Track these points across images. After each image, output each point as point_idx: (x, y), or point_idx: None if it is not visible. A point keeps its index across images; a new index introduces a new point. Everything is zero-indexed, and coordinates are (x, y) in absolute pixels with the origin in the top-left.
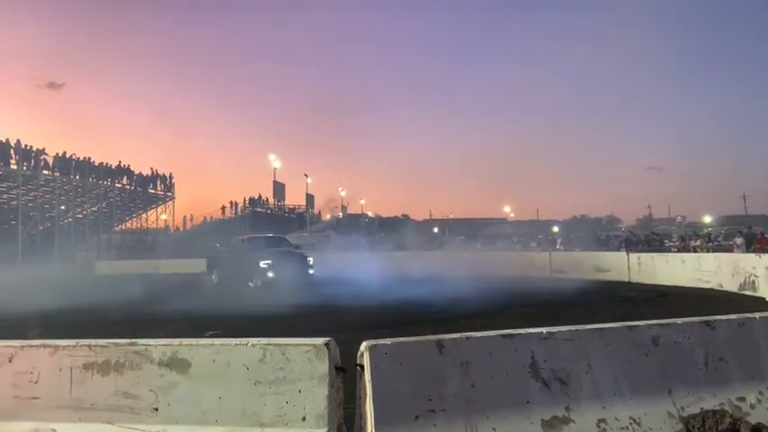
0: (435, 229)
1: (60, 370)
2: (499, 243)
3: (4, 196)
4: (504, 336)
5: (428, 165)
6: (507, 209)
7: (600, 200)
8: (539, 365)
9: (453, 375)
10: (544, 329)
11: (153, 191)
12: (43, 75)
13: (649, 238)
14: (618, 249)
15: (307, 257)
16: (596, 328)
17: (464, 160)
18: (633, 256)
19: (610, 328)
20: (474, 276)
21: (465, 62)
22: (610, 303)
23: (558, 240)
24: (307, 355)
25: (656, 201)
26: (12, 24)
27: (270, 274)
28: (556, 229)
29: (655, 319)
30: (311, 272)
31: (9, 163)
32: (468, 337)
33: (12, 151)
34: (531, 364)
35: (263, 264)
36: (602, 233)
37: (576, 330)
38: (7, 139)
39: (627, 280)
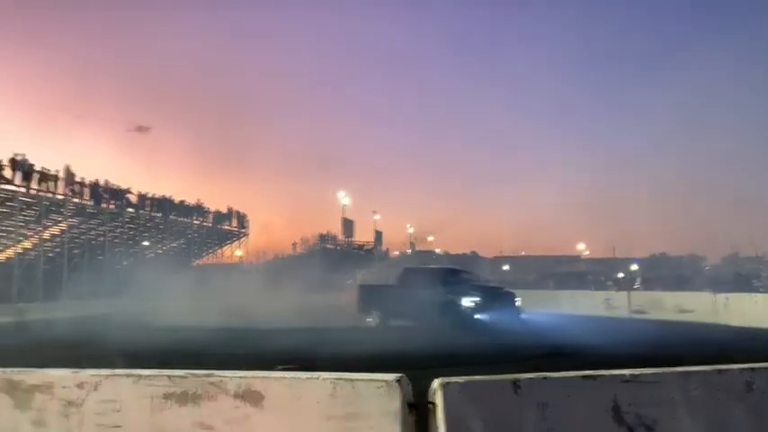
0: (506, 267)
1: (142, 399)
2: (573, 282)
3: (92, 233)
4: (584, 377)
5: (496, 201)
6: (581, 246)
7: (681, 237)
8: (622, 410)
9: (530, 417)
10: (627, 371)
11: (228, 227)
12: (133, 118)
13: (737, 278)
14: (702, 289)
15: (515, 296)
16: (683, 371)
17: (535, 196)
18: (720, 296)
19: (698, 371)
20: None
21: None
22: (697, 346)
23: (638, 279)
24: (378, 391)
25: (743, 238)
26: (106, 71)
27: (477, 316)
28: (634, 267)
29: (747, 363)
30: (522, 315)
31: (99, 201)
32: (545, 377)
33: (101, 190)
34: (614, 407)
35: (466, 302)
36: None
37: (661, 373)
38: (97, 180)
39: (713, 321)
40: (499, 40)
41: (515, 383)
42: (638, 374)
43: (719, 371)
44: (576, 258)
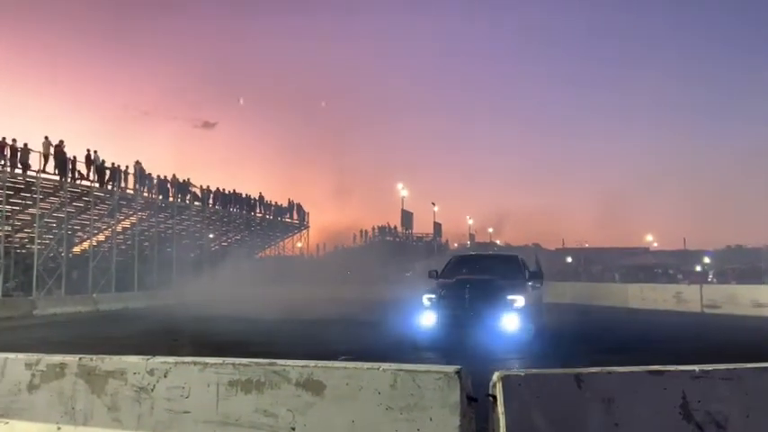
0: (569, 259)
1: (208, 386)
2: (640, 275)
3: (162, 226)
4: (651, 372)
5: (560, 191)
6: (650, 237)
7: (758, 227)
8: (691, 406)
9: (594, 412)
10: (697, 367)
11: (289, 220)
12: (199, 115)
13: None
14: None
15: (506, 292)
16: (759, 367)
17: (600, 184)
18: None
19: None
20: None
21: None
22: None
23: (711, 273)
24: (438, 383)
25: None
26: (173, 70)
27: (425, 321)
28: (707, 260)
29: None
30: (520, 323)
31: (167, 195)
32: (609, 372)
33: (168, 185)
34: (683, 404)
35: (426, 299)
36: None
37: (734, 369)
38: (165, 176)
39: None
40: (564, 26)
41: (578, 377)
42: (709, 370)
43: None
44: (644, 250)
